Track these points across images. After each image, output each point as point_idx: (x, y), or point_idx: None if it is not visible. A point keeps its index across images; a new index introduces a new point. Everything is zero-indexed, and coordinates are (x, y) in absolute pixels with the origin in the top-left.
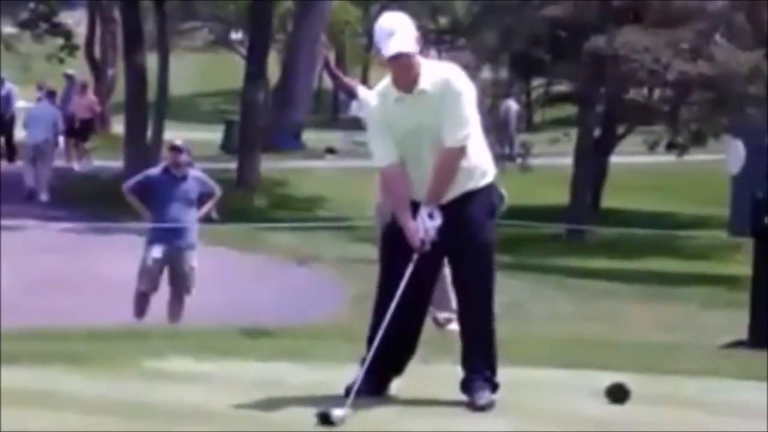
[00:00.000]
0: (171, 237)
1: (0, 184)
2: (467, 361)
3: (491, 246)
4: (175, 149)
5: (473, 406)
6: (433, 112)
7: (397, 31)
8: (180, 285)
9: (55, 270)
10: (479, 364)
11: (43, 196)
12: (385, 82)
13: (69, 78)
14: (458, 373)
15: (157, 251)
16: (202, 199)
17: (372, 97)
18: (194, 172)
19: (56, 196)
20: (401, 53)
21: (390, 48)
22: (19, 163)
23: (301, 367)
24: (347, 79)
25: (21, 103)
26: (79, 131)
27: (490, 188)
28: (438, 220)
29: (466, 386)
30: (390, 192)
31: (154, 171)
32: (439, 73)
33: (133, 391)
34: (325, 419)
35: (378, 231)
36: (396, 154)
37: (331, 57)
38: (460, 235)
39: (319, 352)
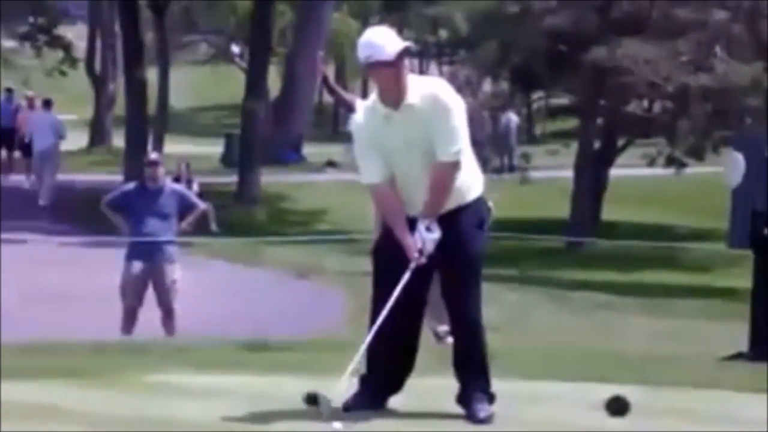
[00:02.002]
0: (149, 252)
1: (0, 196)
2: (462, 374)
3: (481, 258)
4: (151, 163)
5: (473, 419)
6: (423, 128)
7: (377, 41)
8: (162, 299)
9: (56, 283)
10: (475, 376)
11: (42, 201)
12: (373, 97)
13: (9, 92)
14: (455, 385)
15: (135, 267)
16: (182, 213)
17: (359, 112)
18: (173, 186)
19: (56, 210)
20: (379, 61)
21: (369, 56)
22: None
23: (302, 380)
24: (345, 94)
25: None
26: (29, 146)
27: (478, 201)
28: (436, 233)
29: (464, 399)
30: (383, 209)
31: (130, 186)
32: (426, 88)
33: (133, 405)
34: (312, 400)
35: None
36: (385, 172)
37: (329, 72)
38: (450, 248)
39: (320, 365)
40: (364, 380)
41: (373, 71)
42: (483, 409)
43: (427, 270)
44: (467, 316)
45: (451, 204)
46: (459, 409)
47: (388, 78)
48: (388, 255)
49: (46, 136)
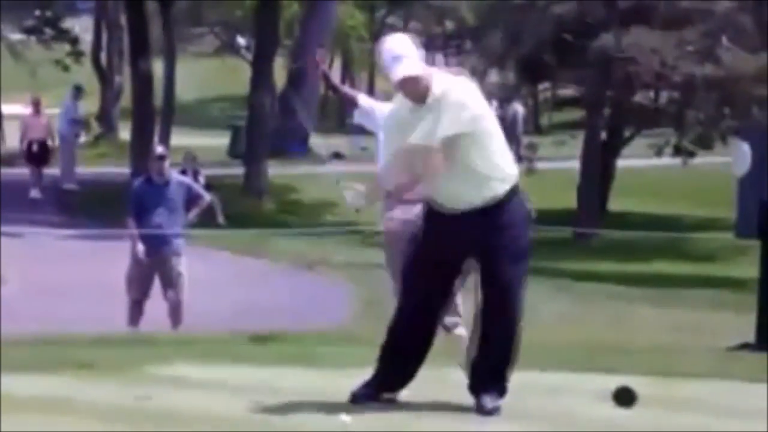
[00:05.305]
0: (155, 244)
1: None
2: (482, 364)
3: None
4: (158, 158)
5: (482, 411)
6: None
7: (404, 55)
8: (169, 292)
9: (62, 276)
10: (496, 367)
11: (70, 185)
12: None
13: None
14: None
15: (142, 259)
16: (189, 205)
17: (391, 103)
18: (179, 178)
19: (62, 202)
20: (410, 77)
21: (398, 72)
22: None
23: (309, 372)
24: (347, 89)
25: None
26: (37, 155)
27: (520, 196)
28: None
29: (476, 388)
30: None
31: (137, 182)
32: (448, 83)
33: (139, 397)
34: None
35: (386, 237)
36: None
37: (335, 65)
38: (501, 237)
39: (327, 358)
40: (376, 371)
41: (400, 86)
42: (492, 401)
43: (454, 267)
44: (512, 306)
45: (483, 195)
46: (469, 400)
47: (414, 88)
48: (423, 258)
49: (62, 122)
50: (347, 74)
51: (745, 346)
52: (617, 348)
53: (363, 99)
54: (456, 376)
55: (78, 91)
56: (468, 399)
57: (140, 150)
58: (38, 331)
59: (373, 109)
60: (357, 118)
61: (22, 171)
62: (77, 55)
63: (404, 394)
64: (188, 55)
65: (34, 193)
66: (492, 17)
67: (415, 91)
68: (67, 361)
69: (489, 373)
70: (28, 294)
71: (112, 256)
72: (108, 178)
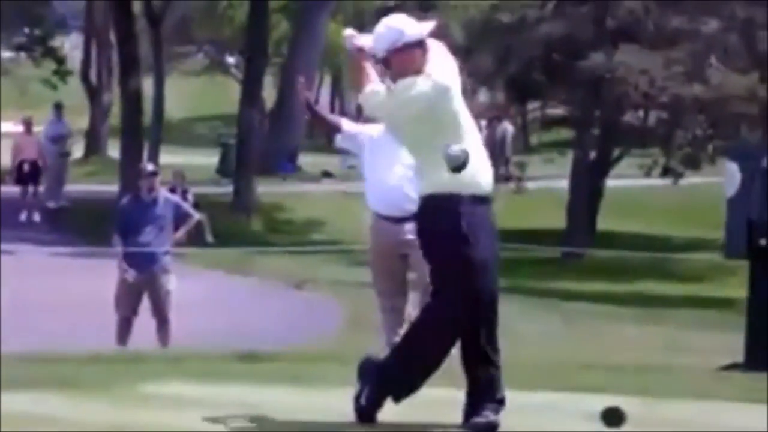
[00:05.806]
0: (144, 262)
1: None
2: (490, 388)
3: None
4: (150, 174)
5: (488, 424)
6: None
7: (402, 25)
8: (157, 310)
9: (51, 294)
10: (498, 389)
11: (51, 203)
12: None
13: None
14: (445, 395)
15: (130, 276)
16: (177, 223)
17: (376, 125)
18: (167, 196)
19: (51, 220)
20: (408, 43)
21: (397, 40)
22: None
23: (297, 391)
24: (331, 116)
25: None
26: (29, 175)
27: None
28: None
29: (477, 408)
30: None
31: (124, 200)
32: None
33: (127, 415)
34: None
35: (372, 254)
36: None
37: (315, 89)
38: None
39: (315, 376)
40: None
41: (399, 55)
42: (493, 416)
43: None
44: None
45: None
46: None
47: (415, 59)
48: None
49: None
50: (336, 91)
51: (734, 366)
52: (606, 367)
53: (347, 124)
54: (443, 396)
55: (58, 109)
56: (454, 417)
57: (129, 168)
58: (27, 348)
59: (358, 132)
60: (340, 142)
61: (11, 189)
62: (63, 74)
63: (393, 413)
64: (177, 73)
65: (25, 216)
66: (481, 36)
67: (415, 67)
68: (55, 378)
69: (493, 395)
70: (18, 311)
71: (101, 274)
72: (97, 195)
